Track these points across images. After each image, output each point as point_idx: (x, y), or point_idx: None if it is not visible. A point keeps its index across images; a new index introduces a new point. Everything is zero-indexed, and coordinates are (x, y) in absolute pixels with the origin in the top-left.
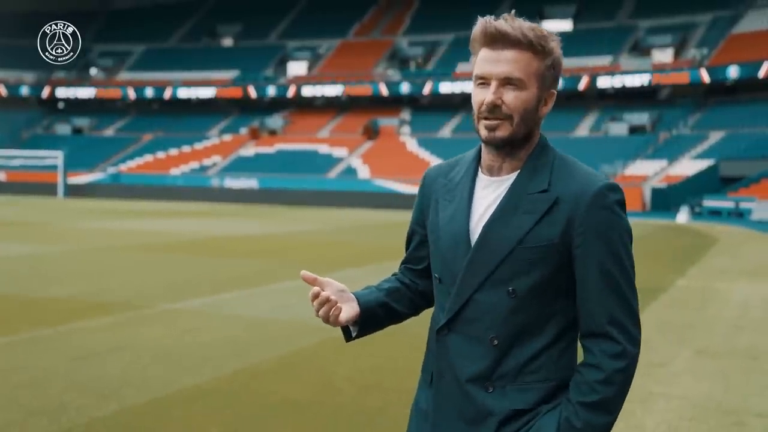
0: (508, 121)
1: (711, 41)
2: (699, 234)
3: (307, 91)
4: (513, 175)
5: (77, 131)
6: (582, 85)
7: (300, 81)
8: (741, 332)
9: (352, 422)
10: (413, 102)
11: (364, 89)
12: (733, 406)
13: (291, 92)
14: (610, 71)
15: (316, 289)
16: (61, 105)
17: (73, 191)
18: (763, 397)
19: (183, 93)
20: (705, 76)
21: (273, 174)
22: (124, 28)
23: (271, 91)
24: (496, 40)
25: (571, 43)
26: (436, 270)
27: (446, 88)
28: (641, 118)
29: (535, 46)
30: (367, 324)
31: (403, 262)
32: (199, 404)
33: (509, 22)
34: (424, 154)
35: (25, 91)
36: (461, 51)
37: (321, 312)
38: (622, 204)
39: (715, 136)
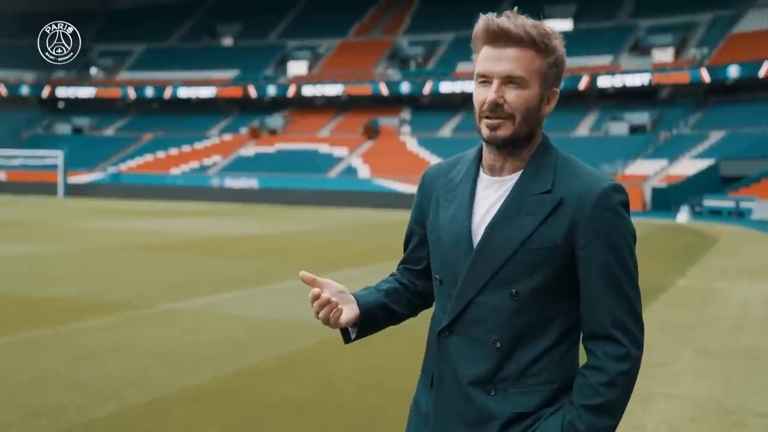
0: (510, 120)
1: (711, 41)
2: (699, 234)
3: (308, 90)
4: (515, 175)
5: (77, 131)
6: (582, 84)
7: (300, 80)
8: (741, 332)
9: (352, 422)
10: (413, 102)
11: (364, 89)
12: (734, 406)
13: (291, 92)
14: (611, 71)
15: (316, 290)
16: (61, 105)
17: (73, 191)
18: (763, 397)
19: (183, 92)
20: (705, 76)
21: (273, 174)
22: (124, 28)
23: (272, 90)
24: (498, 37)
25: (572, 42)
26: (437, 271)
27: (446, 87)
28: (641, 117)
29: (538, 44)
30: (366, 325)
31: (401, 263)
32: (199, 404)
33: (511, 20)
34: (425, 154)
35: (25, 90)
36: (461, 50)
37: (321, 314)
38: (626, 205)
39: (715, 136)
